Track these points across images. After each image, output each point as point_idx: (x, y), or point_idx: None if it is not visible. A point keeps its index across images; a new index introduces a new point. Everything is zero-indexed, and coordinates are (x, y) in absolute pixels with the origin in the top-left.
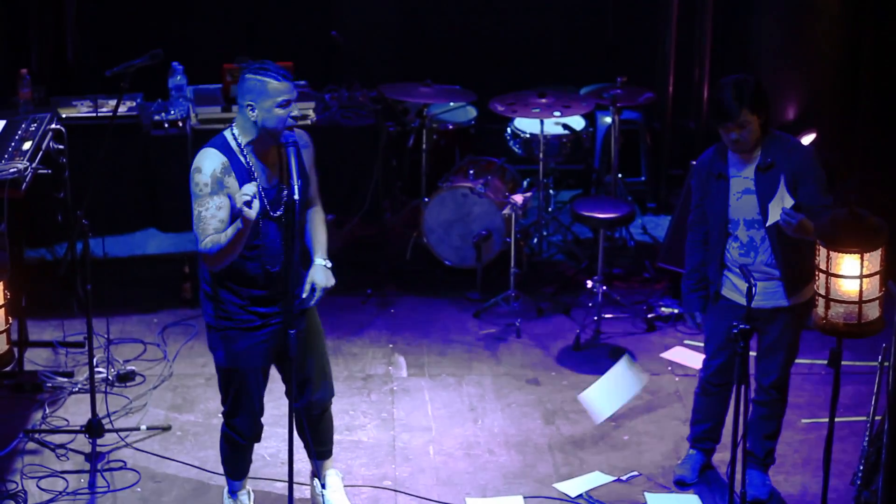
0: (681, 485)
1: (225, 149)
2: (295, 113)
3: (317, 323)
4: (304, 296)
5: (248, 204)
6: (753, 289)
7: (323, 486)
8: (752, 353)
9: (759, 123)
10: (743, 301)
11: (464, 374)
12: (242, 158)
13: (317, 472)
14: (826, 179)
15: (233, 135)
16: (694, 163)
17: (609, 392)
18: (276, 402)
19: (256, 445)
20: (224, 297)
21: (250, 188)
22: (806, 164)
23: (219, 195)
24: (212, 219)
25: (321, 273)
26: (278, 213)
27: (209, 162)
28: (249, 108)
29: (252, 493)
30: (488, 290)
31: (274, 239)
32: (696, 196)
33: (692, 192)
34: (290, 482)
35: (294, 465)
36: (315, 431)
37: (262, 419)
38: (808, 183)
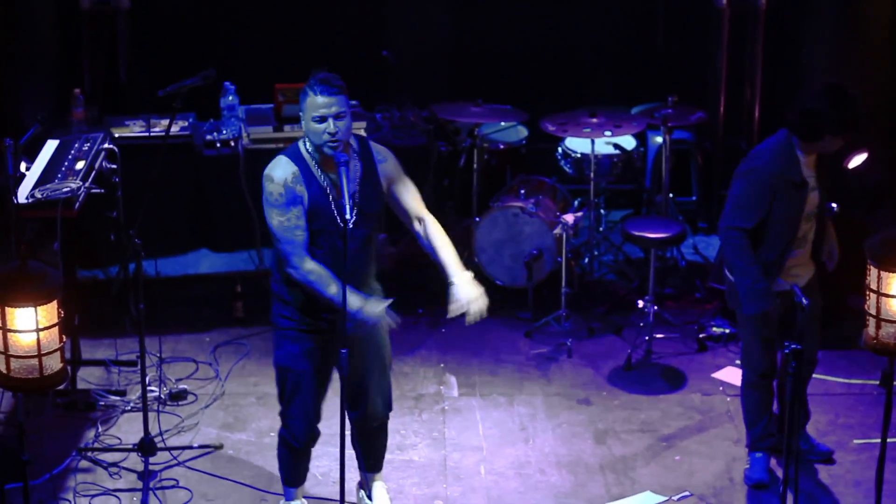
0: (759, 487)
1: (296, 157)
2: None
3: (382, 337)
4: (464, 315)
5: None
6: (806, 309)
7: (369, 497)
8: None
9: None
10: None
11: (515, 394)
12: (314, 167)
13: (364, 484)
14: None
15: (304, 144)
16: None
17: None
18: (328, 422)
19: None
20: (290, 298)
21: (378, 307)
22: None
23: (295, 206)
24: (296, 229)
25: (467, 288)
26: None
27: (280, 171)
28: (302, 119)
29: None
30: (539, 309)
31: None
32: (765, 201)
33: (758, 199)
34: (342, 502)
35: (346, 485)
36: (369, 445)
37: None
38: None
